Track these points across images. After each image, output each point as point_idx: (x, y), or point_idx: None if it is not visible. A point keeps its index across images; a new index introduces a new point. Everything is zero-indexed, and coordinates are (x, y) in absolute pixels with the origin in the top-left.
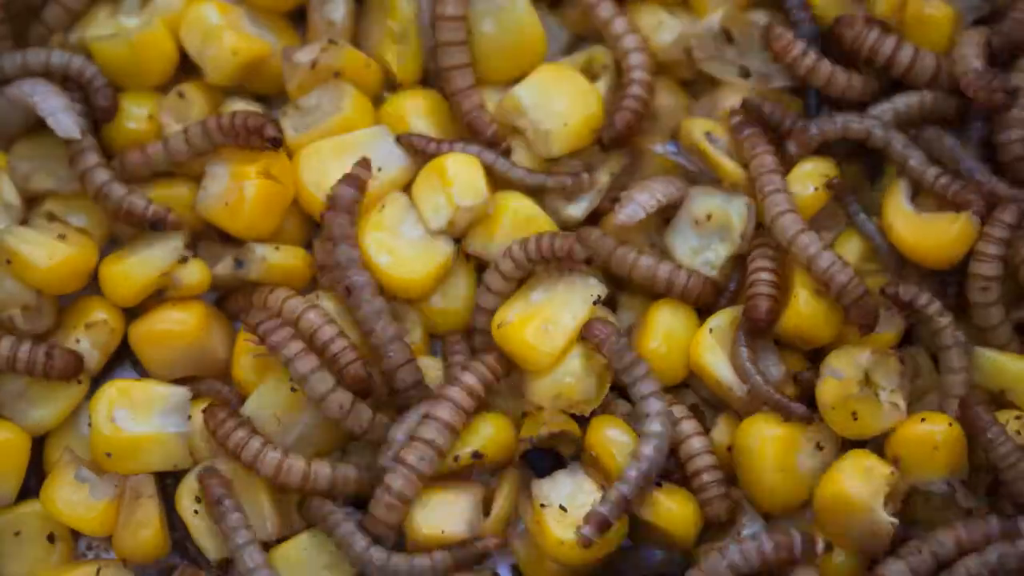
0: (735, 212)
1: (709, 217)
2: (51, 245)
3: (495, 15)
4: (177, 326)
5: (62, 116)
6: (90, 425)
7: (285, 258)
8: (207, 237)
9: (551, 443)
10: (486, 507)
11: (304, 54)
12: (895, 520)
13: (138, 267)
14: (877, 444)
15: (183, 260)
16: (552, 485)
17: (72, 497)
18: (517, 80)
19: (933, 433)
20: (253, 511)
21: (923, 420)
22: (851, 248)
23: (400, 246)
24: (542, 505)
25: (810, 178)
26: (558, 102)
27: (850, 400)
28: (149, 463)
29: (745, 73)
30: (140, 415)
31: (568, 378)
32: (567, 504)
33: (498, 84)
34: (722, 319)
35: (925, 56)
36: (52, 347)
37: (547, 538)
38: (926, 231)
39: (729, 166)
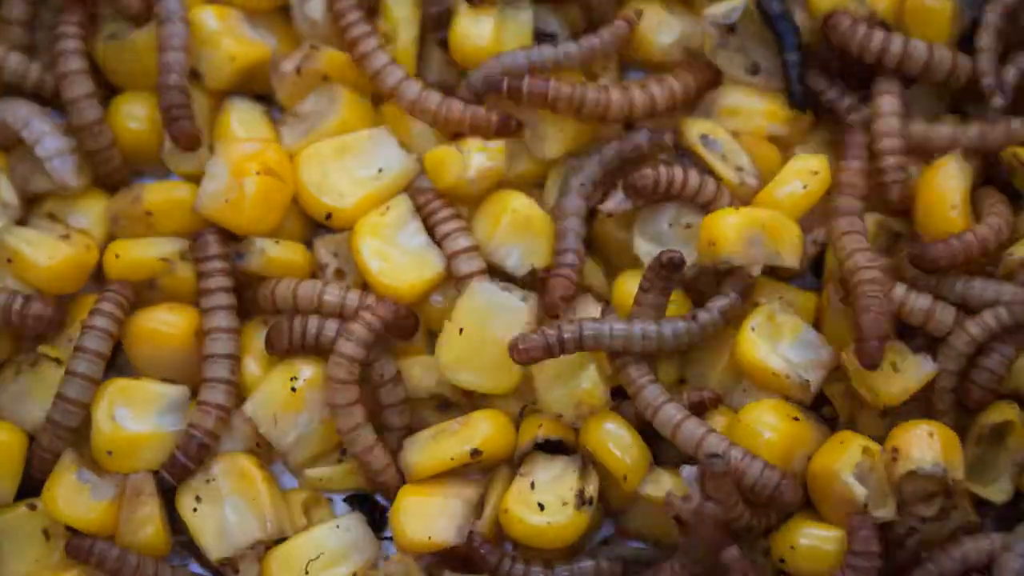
0: None
1: (688, 226)
2: (51, 245)
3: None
4: (166, 327)
5: (58, 162)
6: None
7: (284, 252)
8: None
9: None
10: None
11: (288, 63)
12: (864, 489)
13: (140, 247)
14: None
15: (184, 257)
16: (544, 461)
17: (73, 498)
18: None
19: (929, 424)
20: (253, 510)
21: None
22: None
23: (394, 254)
24: (520, 474)
25: (799, 176)
26: None
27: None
28: (149, 461)
29: (754, 69)
30: (140, 414)
31: (586, 384)
32: (540, 484)
33: None
34: (760, 318)
35: (917, 45)
36: (29, 298)
37: (503, 501)
38: None
39: (722, 170)
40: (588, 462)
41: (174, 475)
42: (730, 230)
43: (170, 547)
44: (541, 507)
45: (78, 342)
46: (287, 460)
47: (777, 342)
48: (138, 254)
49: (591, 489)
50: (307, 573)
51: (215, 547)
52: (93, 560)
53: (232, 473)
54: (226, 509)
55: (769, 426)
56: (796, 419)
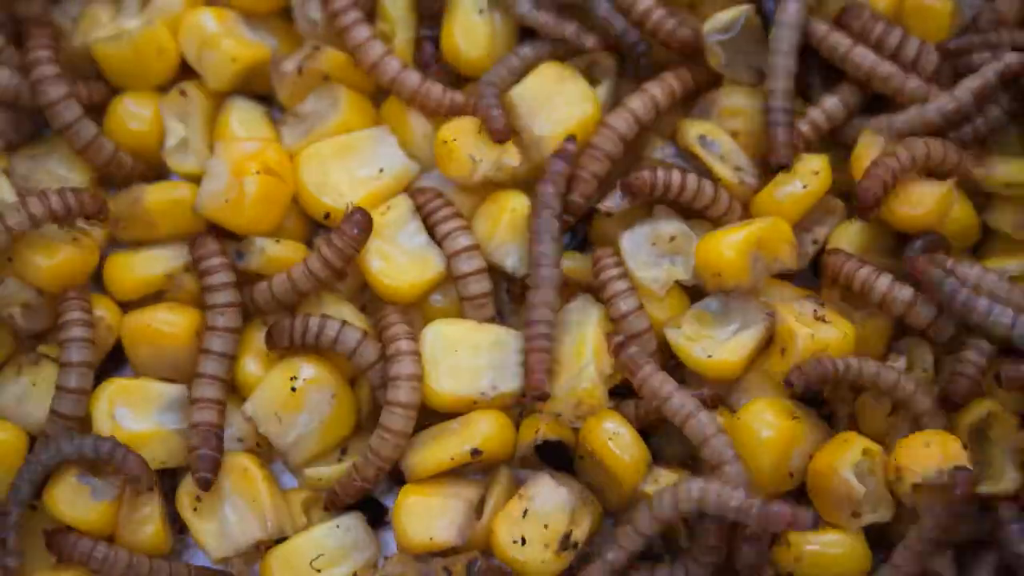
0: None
1: (672, 239)
2: (51, 245)
3: None
4: (165, 327)
5: None
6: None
7: (285, 251)
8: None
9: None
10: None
11: (289, 62)
12: (862, 487)
13: (144, 263)
14: None
15: (189, 269)
16: (545, 488)
17: (74, 499)
18: None
19: (927, 435)
20: (253, 510)
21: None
22: (848, 238)
23: (395, 254)
24: (519, 495)
25: (798, 175)
26: (554, 105)
27: None
28: (150, 460)
29: (760, 76)
30: (140, 412)
31: (586, 383)
32: (531, 514)
33: None
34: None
35: (930, 50)
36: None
37: (494, 520)
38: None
39: (720, 170)
40: (586, 499)
41: (208, 469)
42: (732, 253)
43: (171, 546)
44: (523, 541)
45: (62, 357)
46: (287, 460)
47: (709, 330)
48: (142, 272)
49: (579, 532)
50: (318, 571)
51: (215, 547)
52: (76, 558)
53: (232, 472)
54: (226, 509)
55: (768, 424)
56: (796, 418)
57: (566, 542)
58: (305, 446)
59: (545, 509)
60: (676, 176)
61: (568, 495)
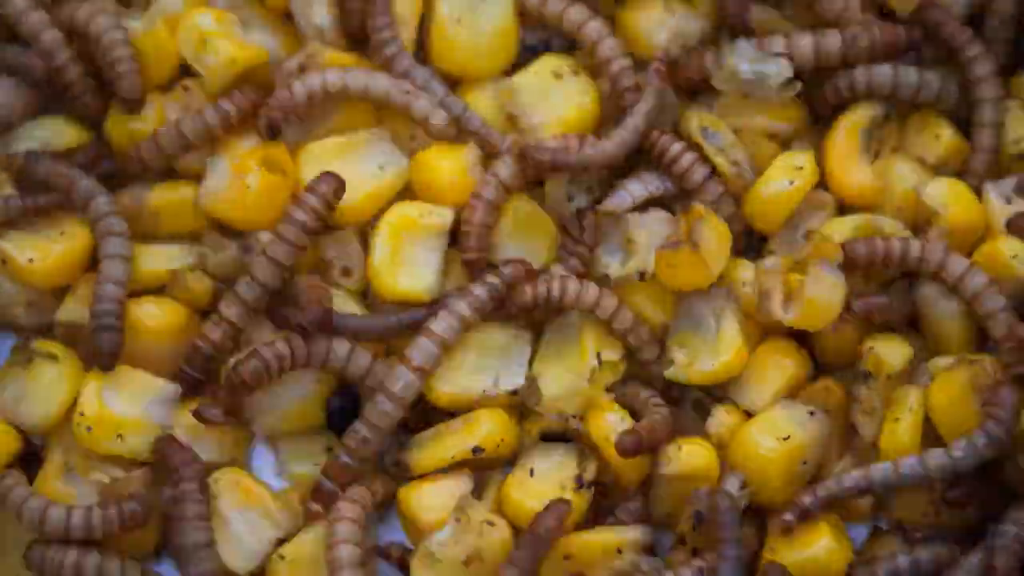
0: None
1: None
2: (41, 247)
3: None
4: (147, 319)
5: None
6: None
7: None
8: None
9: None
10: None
11: (291, 62)
12: None
13: (149, 257)
14: None
15: (194, 269)
16: (543, 451)
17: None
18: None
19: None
20: (261, 515)
21: None
22: (841, 234)
23: (404, 255)
24: (519, 463)
25: (785, 172)
26: (554, 95)
27: None
28: (125, 447)
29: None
30: (128, 399)
31: (588, 379)
32: (538, 472)
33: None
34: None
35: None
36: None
37: (504, 487)
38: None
39: (720, 162)
40: (585, 449)
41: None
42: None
43: (152, 550)
44: (540, 493)
45: None
46: (256, 428)
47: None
48: (146, 265)
49: (588, 473)
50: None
51: (240, 563)
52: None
53: (229, 488)
54: (233, 525)
55: (767, 448)
56: (787, 438)
57: (580, 482)
58: (276, 419)
59: (549, 464)
60: (676, 146)
61: (564, 448)
